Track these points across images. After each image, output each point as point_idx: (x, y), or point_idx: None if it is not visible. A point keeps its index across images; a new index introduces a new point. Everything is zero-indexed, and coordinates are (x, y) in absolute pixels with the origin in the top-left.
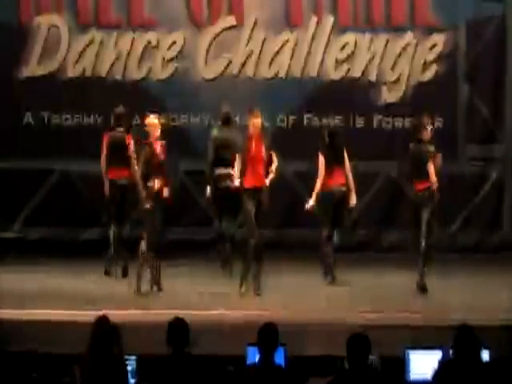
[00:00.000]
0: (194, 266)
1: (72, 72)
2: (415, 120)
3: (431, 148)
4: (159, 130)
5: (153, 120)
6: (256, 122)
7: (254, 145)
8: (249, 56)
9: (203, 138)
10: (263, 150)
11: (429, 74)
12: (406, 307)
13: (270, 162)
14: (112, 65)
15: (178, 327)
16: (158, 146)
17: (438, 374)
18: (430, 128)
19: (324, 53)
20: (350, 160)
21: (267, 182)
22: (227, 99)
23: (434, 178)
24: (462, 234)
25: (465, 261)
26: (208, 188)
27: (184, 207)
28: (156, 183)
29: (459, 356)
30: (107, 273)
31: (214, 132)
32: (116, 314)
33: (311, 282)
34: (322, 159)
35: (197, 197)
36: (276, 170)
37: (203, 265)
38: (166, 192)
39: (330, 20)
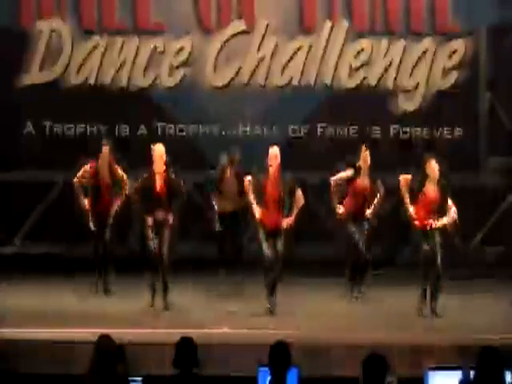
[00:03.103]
0: (203, 283)
1: (75, 79)
2: None
3: None
4: (163, 162)
5: (157, 149)
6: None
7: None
8: (260, 63)
9: (212, 148)
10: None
11: (448, 82)
12: (425, 326)
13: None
14: (117, 72)
15: (185, 347)
16: (160, 179)
17: None
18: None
19: (338, 59)
20: None
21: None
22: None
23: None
24: (483, 248)
25: (487, 276)
26: None
27: (192, 221)
28: (158, 216)
29: (481, 377)
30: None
31: None
32: (121, 333)
33: (325, 300)
34: None
35: (205, 210)
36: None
37: (213, 281)
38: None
39: (344, 25)
